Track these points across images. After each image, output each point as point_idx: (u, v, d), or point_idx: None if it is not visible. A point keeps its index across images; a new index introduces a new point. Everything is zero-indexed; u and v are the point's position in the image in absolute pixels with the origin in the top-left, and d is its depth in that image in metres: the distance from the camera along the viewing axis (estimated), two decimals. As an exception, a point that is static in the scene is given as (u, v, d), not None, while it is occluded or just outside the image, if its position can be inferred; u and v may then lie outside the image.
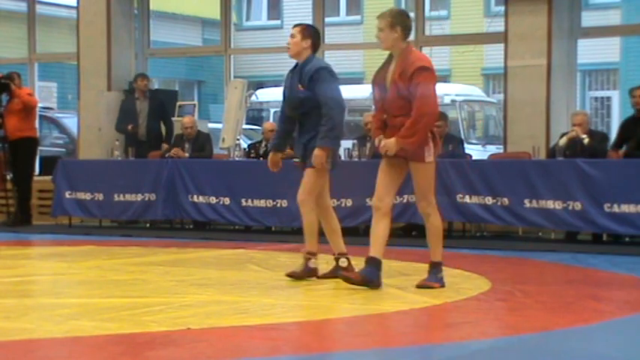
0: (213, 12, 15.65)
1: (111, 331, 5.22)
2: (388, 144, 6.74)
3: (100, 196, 12.28)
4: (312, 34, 7.33)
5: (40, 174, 13.82)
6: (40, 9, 15.49)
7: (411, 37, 13.63)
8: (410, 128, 6.65)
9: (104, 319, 5.58)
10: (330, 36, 14.31)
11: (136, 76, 13.46)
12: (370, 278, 6.77)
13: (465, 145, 12.70)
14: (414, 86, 6.65)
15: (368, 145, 11.92)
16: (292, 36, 7.31)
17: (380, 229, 6.86)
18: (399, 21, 6.77)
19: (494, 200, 10.50)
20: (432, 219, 6.89)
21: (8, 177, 13.05)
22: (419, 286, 6.87)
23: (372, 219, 6.94)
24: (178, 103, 14.12)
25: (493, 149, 16.93)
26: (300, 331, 5.49)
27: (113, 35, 13.89)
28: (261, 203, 11.45)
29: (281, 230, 11.79)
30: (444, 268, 7.02)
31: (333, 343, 5.21)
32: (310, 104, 7.18)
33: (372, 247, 6.87)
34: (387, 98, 6.79)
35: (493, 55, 19.76)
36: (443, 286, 6.89)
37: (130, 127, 13.05)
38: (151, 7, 14.77)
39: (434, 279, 6.91)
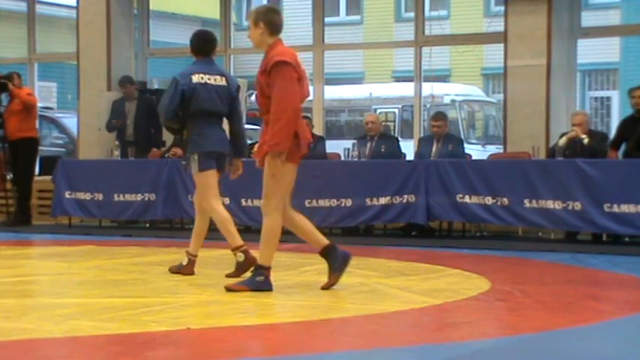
0: (213, 12, 15.64)
1: (110, 331, 5.21)
2: (269, 165, 6.52)
3: (100, 196, 12.28)
4: (192, 41, 7.64)
5: (40, 174, 13.81)
6: (39, 9, 15.49)
7: (411, 37, 13.66)
8: (272, 130, 6.46)
9: (104, 319, 5.57)
10: (330, 36, 14.29)
11: (121, 80, 13.43)
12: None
13: (465, 145, 12.70)
14: (272, 82, 6.51)
15: (368, 145, 11.94)
16: None
17: (302, 225, 6.81)
18: (261, 17, 6.68)
19: (494, 200, 10.50)
20: (266, 220, 6.66)
21: (8, 177, 13.05)
22: (228, 289, 6.62)
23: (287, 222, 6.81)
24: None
25: (493, 149, 16.94)
26: (299, 331, 5.48)
27: (113, 35, 13.88)
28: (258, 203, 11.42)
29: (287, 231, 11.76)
30: (448, 268, 6.99)
31: (333, 343, 5.21)
32: None
33: (313, 243, 6.82)
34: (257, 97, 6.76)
35: (493, 55, 19.75)
36: (257, 289, 6.55)
37: (115, 120, 13.10)
38: (151, 7, 14.76)
39: (248, 282, 6.66)
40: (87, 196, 12.36)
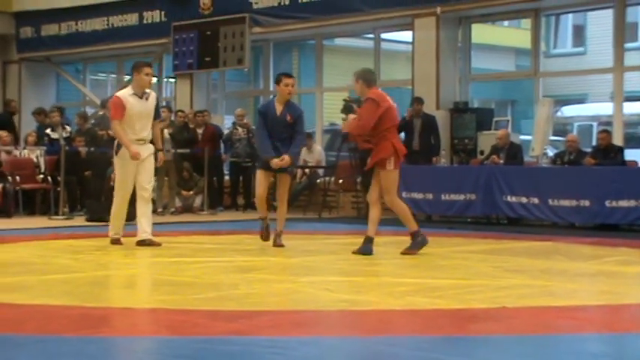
0: (525, 42, 15.33)
1: (440, 307, 5.25)
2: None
3: (430, 196, 12.45)
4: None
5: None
6: (384, 45, 15.92)
7: None
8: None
9: (435, 296, 5.62)
10: (628, 59, 13.51)
11: (416, 100, 13.35)
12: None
13: None
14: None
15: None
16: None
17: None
18: (359, 75, 7.99)
19: None
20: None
21: (358, 180, 13.52)
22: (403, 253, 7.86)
23: None
24: (495, 119, 14.00)
25: None
26: (601, 313, 5.24)
27: (441, 64, 13.98)
28: (566, 203, 11.08)
29: (584, 227, 11.34)
30: None
31: (634, 325, 4.92)
32: None
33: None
34: None
35: None
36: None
37: None
38: (473, 40, 14.72)
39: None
40: (419, 196, 12.57)
